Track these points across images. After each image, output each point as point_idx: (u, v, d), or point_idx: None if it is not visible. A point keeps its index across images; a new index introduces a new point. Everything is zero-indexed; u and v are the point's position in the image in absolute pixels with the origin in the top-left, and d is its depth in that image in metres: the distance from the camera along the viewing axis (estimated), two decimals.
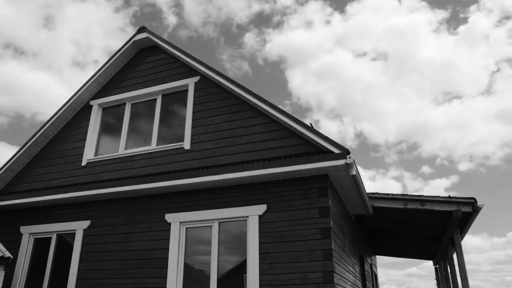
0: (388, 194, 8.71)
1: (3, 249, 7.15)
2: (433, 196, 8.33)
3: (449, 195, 8.21)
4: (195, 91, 8.12)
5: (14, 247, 8.21)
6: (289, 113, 6.81)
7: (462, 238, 10.15)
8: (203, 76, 8.17)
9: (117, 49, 9.18)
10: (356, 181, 6.67)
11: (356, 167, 6.24)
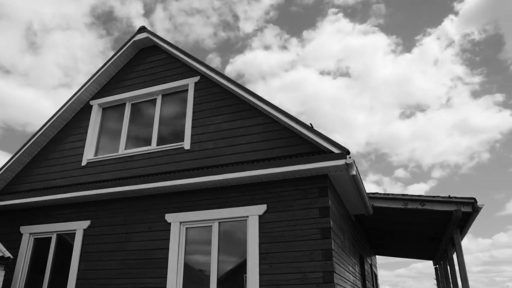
0: (388, 194, 8.71)
1: (3, 249, 7.16)
2: (433, 196, 8.33)
3: (449, 195, 8.21)
4: (195, 91, 8.12)
5: (14, 247, 8.21)
6: (289, 113, 6.82)
7: (462, 238, 10.15)
8: (203, 76, 8.17)
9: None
10: (356, 181, 6.67)
11: (356, 167, 6.24)
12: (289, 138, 6.86)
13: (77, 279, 7.40)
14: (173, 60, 8.70)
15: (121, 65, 9.29)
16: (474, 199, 7.98)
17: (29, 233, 8.32)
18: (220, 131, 7.47)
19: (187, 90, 8.31)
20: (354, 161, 6.07)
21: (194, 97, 8.06)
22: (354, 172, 6.18)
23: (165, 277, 6.70)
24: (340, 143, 6.23)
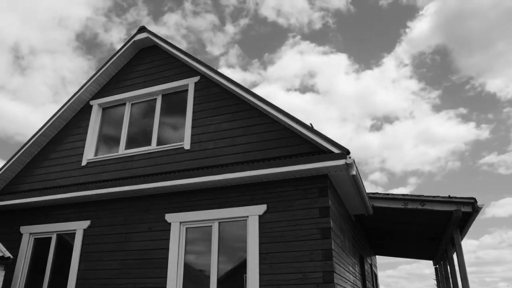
0: (388, 194, 8.71)
1: (3, 249, 7.15)
2: (433, 196, 8.33)
3: (449, 195, 8.21)
4: (195, 91, 8.12)
5: (14, 247, 8.21)
6: (289, 113, 6.81)
7: (462, 238, 10.15)
8: (203, 76, 8.17)
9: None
10: (356, 181, 6.67)
11: (356, 167, 6.24)
12: (289, 138, 6.86)
13: (77, 279, 7.40)
14: (173, 60, 8.70)
15: (121, 65, 9.29)
16: (474, 199, 7.99)
17: (29, 233, 8.32)
18: (220, 131, 7.47)
19: (187, 90, 8.31)
20: (354, 161, 6.07)
21: (194, 97, 8.06)
22: (354, 172, 6.18)
23: (165, 277, 6.69)
24: (340, 143, 6.24)
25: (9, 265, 7.75)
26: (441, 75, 72.51)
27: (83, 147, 8.69)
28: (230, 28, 61.02)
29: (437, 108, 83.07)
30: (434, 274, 18.79)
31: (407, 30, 65.28)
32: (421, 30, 65.51)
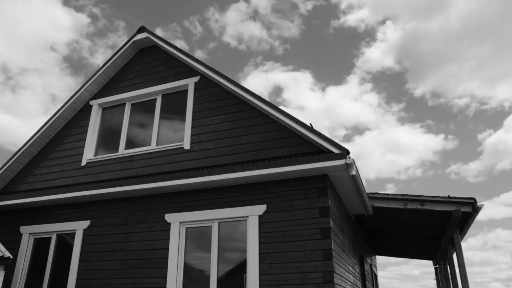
0: (388, 194, 8.71)
1: (3, 249, 7.15)
2: (433, 196, 8.33)
3: (449, 195, 8.22)
4: (195, 91, 8.12)
5: (14, 247, 8.21)
6: (289, 113, 6.82)
7: (462, 238, 10.15)
8: (203, 76, 8.17)
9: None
10: (356, 181, 6.67)
11: (356, 167, 6.24)
12: (289, 138, 6.86)
13: (77, 279, 7.40)
14: (173, 60, 8.69)
15: (121, 65, 9.29)
16: (474, 199, 7.99)
17: (29, 233, 8.31)
18: (220, 131, 7.47)
19: (187, 90, 8.31)
20: (354, 161, 6.07)
21: (194, 97, 8.06)
22: (354, 172, 6.18)
23: (165, 277, 6.69)
24: (340, 143, 6.24)
25: (9, 265, 7.74)
26: (401, 91, 80.00)
27: (83, 147, 8.69)
28: (199, 53, 66.10)
29: (402, 121, 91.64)
30: (434, 274, 18.80)
31: (365, 51, 72.05)
32: (377, 52, 73.48)
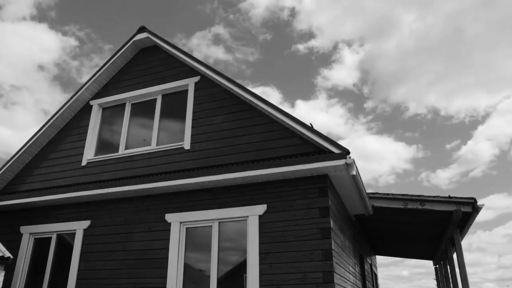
0: (388, 194, 8.71)
1: (3, 249, 7.15)
2: (433, 196, 8.33)
3: (449, 195, 8.21)
4: (195, 91, 8.12)
5: (14, 247, 8.21)
6: (289, 113, 6.81)
7: (462, 238, 10.15)
8: (203, 76, 8.17)
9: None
10: (356, 181, 6.67)
11: (356, 167, 6.24)
12: (289, 138, 6.86)
13: (77, 279, 7.40)
14: (173, 60, 8.69)
15: (121, 65, 9.29)
16: (474, 199, 7.98)
17: (29, 233, 8.31)
18: (220, 131, 7.47)
19: (187, 90, 8.30)
20: (354, 161, 6.06)
21: (194, 97, 8.06)
22: (354, 172, 6.18)
23: (165, 277, 6.69)
24: (340, 143, 6.23)
25: (9, 265, 7.74)
26: (362, 108, 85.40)
27: (83, 147, 8.69)
28: None
29: (372, 131, 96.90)
30: (434, 273, 18.80)
31: (325, 71, 77.48)
32: (337, 72, 77.73)
